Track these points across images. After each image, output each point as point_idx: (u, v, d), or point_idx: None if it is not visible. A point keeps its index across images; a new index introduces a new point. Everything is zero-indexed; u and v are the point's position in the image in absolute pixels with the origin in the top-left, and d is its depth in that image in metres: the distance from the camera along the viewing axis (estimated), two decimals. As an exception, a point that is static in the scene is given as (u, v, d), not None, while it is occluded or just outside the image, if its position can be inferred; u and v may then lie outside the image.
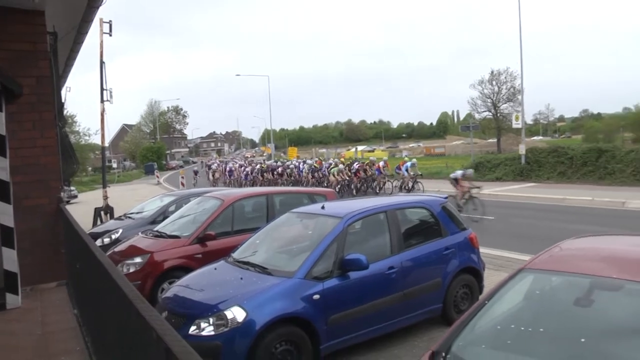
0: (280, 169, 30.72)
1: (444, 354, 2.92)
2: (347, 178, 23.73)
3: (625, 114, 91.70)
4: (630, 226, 12.08)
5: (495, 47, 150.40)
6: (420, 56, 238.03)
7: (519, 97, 40.89)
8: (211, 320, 4.65)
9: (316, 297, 4.95)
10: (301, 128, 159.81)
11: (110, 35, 15.62)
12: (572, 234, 4.18)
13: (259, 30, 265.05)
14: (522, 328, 3.06)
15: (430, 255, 5.98)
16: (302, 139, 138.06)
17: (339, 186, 23.15)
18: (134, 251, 7.43)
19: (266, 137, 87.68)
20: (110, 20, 15.49)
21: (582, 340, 2.78)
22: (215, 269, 5.71)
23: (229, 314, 4.63)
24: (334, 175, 23.98)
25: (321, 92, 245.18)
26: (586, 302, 3.04)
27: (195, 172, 46.76)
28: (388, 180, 22.91)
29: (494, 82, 59.34)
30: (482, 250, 6.99)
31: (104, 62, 15.40)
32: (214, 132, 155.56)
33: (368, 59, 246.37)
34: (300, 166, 29.65)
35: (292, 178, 28.76)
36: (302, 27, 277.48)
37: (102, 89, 15.52)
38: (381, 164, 23.68)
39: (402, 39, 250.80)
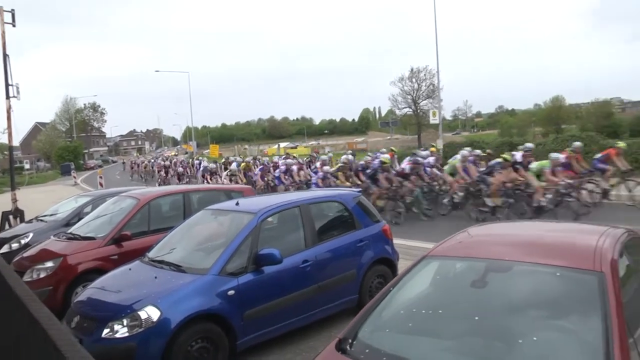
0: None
1: (350, 341, 3.06)
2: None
3: (536, 110, 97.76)
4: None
5: (416, 45, 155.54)
6: (343, 53, 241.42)
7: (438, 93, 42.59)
8: (125, 321, 4.60)
9: (231, 293, 4.99)
10: (223, 125, 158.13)
11: (14, 26, 14.82)
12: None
13: (178, 25, 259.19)
14: (423, 311, 3.30)
15: (344, 248, 6.15)
16: (224, 136, 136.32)
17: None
18: (45, 255, 7.13)
19: (188, 134, 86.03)
20: (13, 9, 14.71)
21: (476, 318, 3.03)
22: (130, 269, 5.63)
23: (142, 314, 4.59)
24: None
25: (243, 89, 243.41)
26: (481, 284, 3.31)
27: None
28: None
29: (413, 80, 61.37)
30: (395, 241, 7.27)
31: (7, 55, 14.57)
32: (134, 130, 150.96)
33: (290, 55, 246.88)
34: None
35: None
36: (223, 24, 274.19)
37: (7, 85, 14.71)
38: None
39: (324, 36, 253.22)
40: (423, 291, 3.50)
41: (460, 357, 2.83)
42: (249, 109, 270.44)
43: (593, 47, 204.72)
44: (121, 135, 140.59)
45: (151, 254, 5.85)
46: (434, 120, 28.33)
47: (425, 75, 59.92)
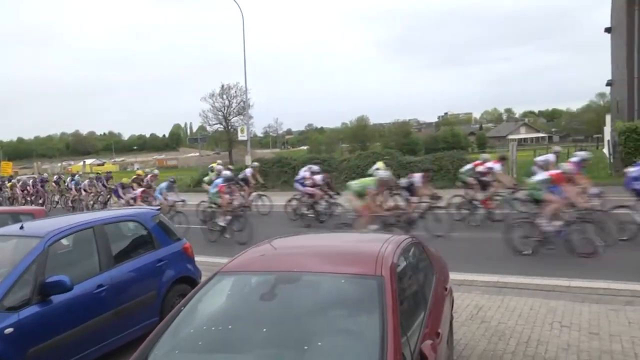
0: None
1: None
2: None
3: (344, 128, 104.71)
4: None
5: (229, 62, 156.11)
6: (153, 67, 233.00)
7: (249, 110, 43.26)
8: None
9: (9, 331, 4.44)
10: (20, 140, 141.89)
11: None
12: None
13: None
14: (213, 328, 3.29)
15: (143, 269, 5.91)
16: (20, 151, 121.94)
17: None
18: None
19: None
20: None
21: (264, 330, 3.12)
22: None
23: None
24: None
25: (43, 101, 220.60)
26: (270, 296, 3.42)
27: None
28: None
29: (224, 96, 61.41)
30: (200, 258, 7.21)
31: None
32: None
33: (99, 65, 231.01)
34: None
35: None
36: (16, 25, 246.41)
37: None
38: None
39: (131, 48, 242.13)
40: (215, 308, 3.50)
41: None
42: (50, 122, 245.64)
43: (394, 73, 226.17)
44: None
45: None
46: (242, 136, 28.69)
47: (236, 92, 60.35)
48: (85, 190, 21.90)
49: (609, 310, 6.20)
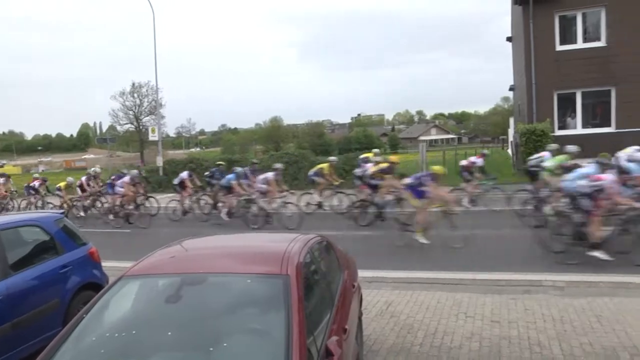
0: None
1: None
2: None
3: (257, 129, 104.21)
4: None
5: (141, 60, 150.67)
6: (58, 64, 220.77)
7: (161, 110, 41.99)
8: None
9: None
10: None
11: None
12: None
13: None
14: (117, 335, 3.17)
15: (44, 276, 5.58)
16: None
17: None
18: None
19: None
20: None
21: (169, 333, 3.05)
22: None
23: None
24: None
25: None
26: (175, 299, 3.35)
27: None
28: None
29: (135, 95, 59.40)
30: (116, 264, 6.91)
31: None
32: None
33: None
34: None
35: None
36: None
37: None
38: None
39: (37, 44, 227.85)
40: (119, 313, 3.39)
41: None
42: None
43: (308, 74, 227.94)
44: None
45: None
46: (153, 137, 27.75)
47: (147, 90, 58.56)
48: None
49: (509, 300, 6.60)
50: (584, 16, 20.36)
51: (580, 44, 20.33)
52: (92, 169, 20.20)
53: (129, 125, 61.36)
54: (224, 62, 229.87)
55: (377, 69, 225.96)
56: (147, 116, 59.07)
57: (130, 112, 59.68)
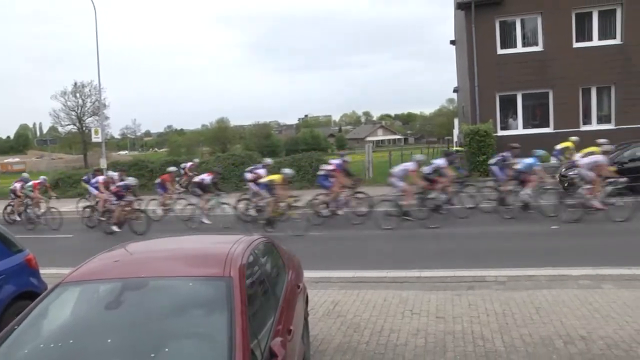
0: None
1: None
2: None
3: (204, 130, 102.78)
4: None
5: (84, 59, 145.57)
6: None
7: (105, 111, 40.81)
8: None
9: None
10: None
11: None
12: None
13: None
14: (52, 345, 3.03)
15: (-25, 286, 5.32)
16: None
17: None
18: None
19: None
20: None
21: (109, 340, 2.95)
22: None
23: None
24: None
25: None
26: (115, 305, 3.26)
27: None
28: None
29: (77, 95, 57.51)
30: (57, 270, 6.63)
31: None
32: None
33: None
34: None
35: None
36: None
37: None
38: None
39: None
40: (56, 322, 3.26)
41: None
42: None
43: (255, 76, 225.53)
44: None
45: None
46: (96, 138, 26.84)
47: (90, 90, 56.70)
48: None
49: (453, 296, 6.76)
50: (523, 22, 21.20)
51: (519, 48, 21.15)
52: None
53: (71, 127, 59.37)
54: (169, 63, 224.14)
55: (324, 70, 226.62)
56: (91, 117, 57.26)
57: (73, 113, 57.74)
